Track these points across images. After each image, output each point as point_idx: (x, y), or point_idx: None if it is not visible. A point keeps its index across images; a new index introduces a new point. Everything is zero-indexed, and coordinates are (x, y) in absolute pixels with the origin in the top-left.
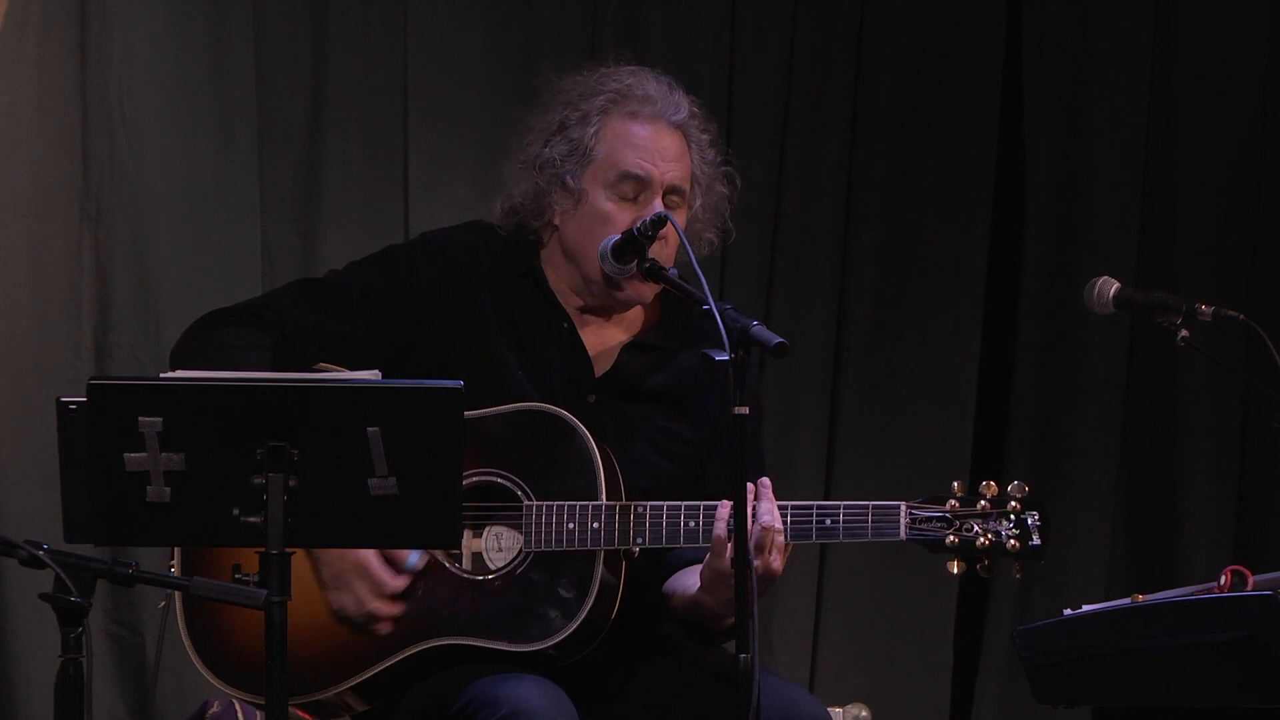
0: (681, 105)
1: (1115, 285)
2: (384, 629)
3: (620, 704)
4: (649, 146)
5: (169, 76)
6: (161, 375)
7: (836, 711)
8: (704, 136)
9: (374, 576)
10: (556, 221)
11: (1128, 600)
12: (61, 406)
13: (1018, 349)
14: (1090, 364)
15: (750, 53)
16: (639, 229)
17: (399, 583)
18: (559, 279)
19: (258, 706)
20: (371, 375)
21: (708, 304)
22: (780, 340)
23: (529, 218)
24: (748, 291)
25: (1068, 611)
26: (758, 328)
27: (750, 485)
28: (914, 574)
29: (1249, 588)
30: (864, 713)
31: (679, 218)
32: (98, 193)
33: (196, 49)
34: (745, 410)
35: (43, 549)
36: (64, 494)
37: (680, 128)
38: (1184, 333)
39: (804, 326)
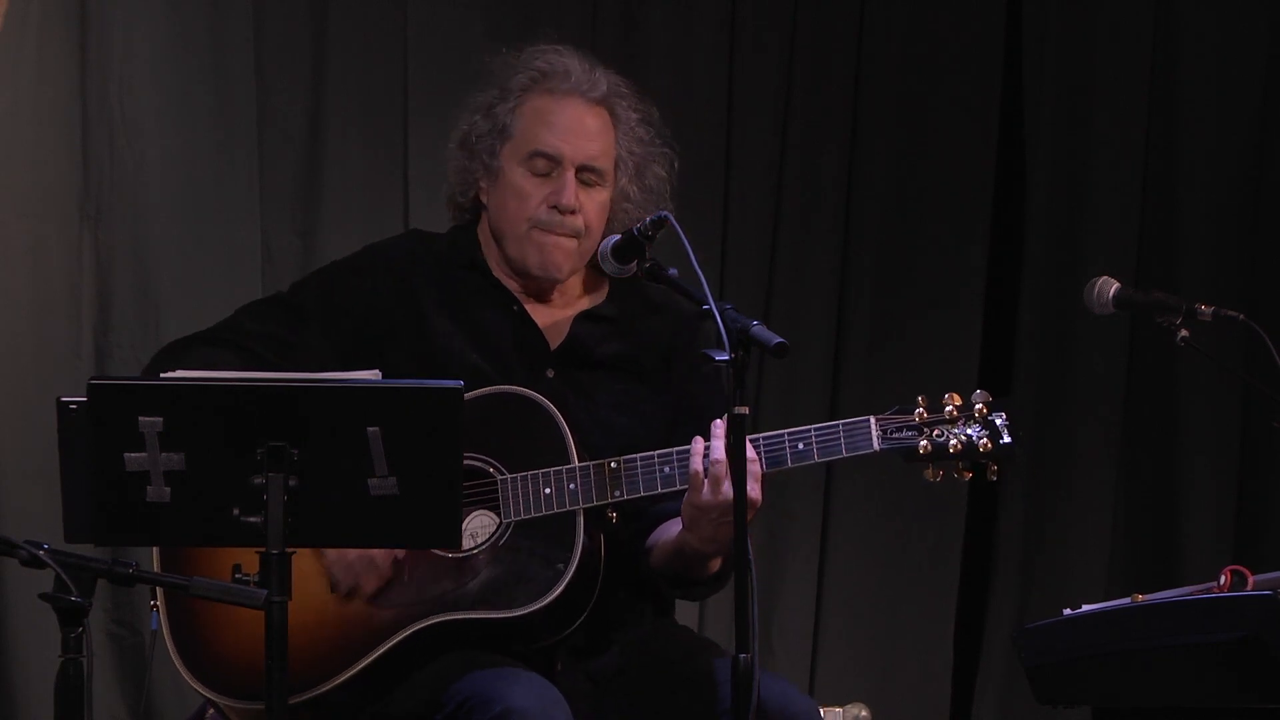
0: (599, 82)
1: (1115, 285)
2: (377, 585)
3: (615, 704)
4: (562, 124)
5: (169, 76)
6: (162, 375)
7: (836, 711)
8: (633, 115)
9: None
10: (483, 199)
11: (1128, 600)
12: (61, 406)
13: (1018, 349)
14: (1090, 364)
15: (750, 53)
16: (639, 229)
17: None
18: (496, 262)
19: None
20: (371, 375)
21: (708, 304)
22: (780, 340)
23: (458, 195)
24: (748, 291)
25: (1068, 611)
26: (758, 328)
27: (717, 422)
28: (914, 574)
29: (1249, 588)
30: (864, 713)
31: (598, 195)
32: (98, 193)
33: (196, 49)
34: (745, 410)
35: (43, 549)
36: (64, 494)
37: (601, 104)
38: (1184, 333)
39: (804, 326)
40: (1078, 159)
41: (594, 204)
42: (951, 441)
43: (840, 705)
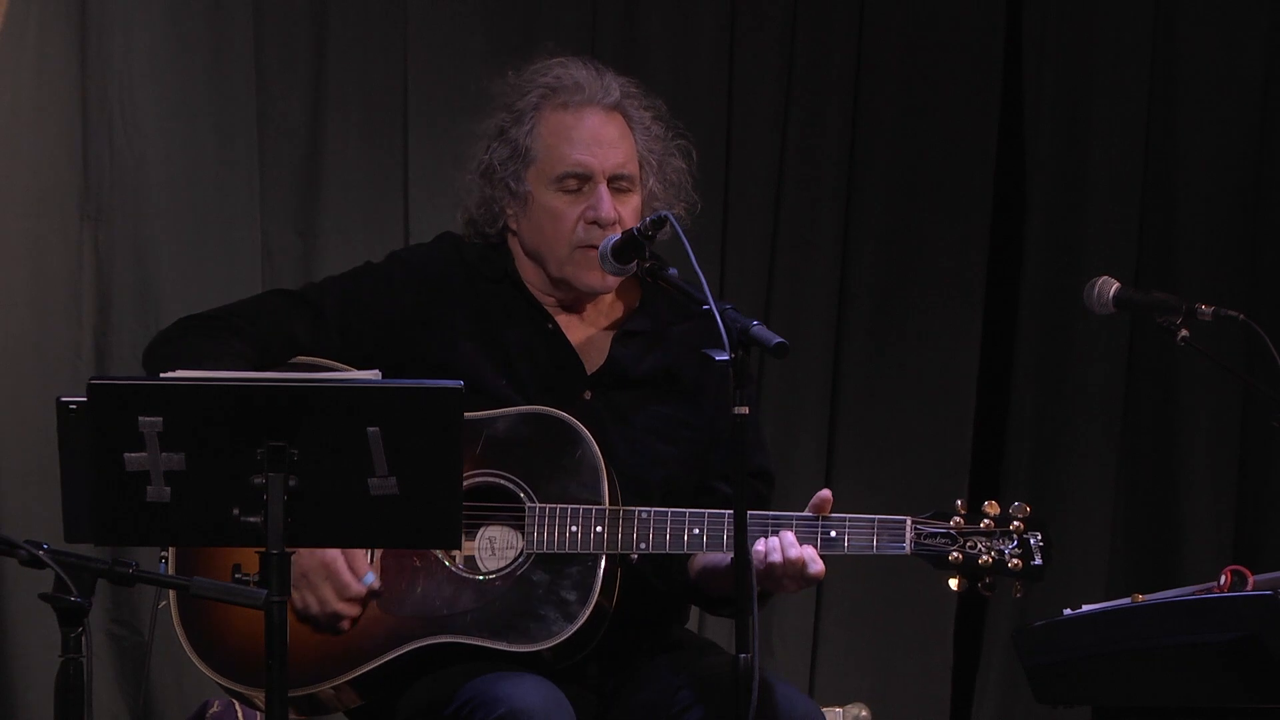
0: (611, 88)
1: (1115, 285)
2: (346, 628)
3: (617, 705)
4: (584, 137)
5: (169, 76)
6: (162, 375)
7: (836, 711)
8: (646, 113)
9: (339, 578)
10: (512, 226)
11: (1128, 600)
12: (61, 406)
13: (1017, 349)
14: (1090, 364)
15: (750, 53)
16: (639, 229)
17: (361, 588)
18: (530, 278)
19: (251, 704)
20: (371, 375)
21: (708, 304)
22: (780, 340)
23: (485, 226)
24: (748, 291)
25: (1068, 611)
26: (758, 328)
27: (789, 537)
28: (914, 575)
29: (1249, 588)
30: (864, 713)
31: (632, 201)
32: (98, 193)
33: (196, 49)
34: (745, 410)
35: (43, 549)
36: (64, 494)
37: (616, 109)
38: (1184, 333)
39: (804, 326)
40: (1078, 159)
41: (629, 210)
42: (982, 556)
43: (840, 705)
